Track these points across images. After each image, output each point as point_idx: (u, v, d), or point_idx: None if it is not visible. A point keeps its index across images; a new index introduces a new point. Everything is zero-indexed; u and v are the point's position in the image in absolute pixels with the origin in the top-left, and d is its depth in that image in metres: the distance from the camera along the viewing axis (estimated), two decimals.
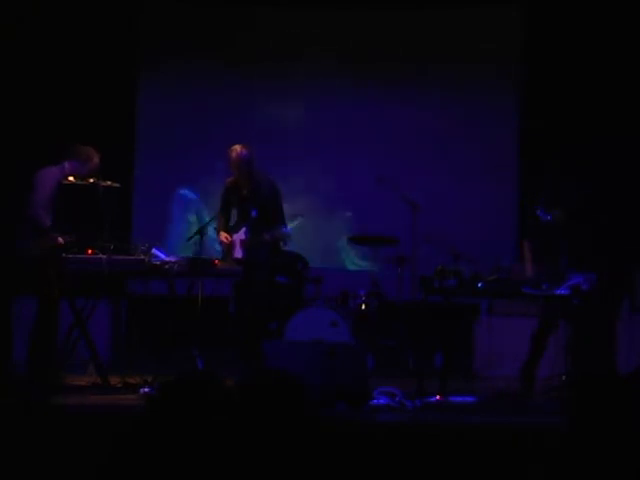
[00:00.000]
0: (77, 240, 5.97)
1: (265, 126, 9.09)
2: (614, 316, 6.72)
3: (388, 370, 6.92)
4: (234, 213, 7.08)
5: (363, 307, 7.33)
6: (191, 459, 1.99)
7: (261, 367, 5.89)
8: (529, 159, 8.79)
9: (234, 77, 9.24)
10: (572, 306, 6.27)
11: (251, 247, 6.81)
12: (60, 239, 5.95)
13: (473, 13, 9.10)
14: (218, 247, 7.19)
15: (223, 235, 6.89)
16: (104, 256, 5.94)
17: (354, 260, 9.08)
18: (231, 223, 7.06)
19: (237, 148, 6.82)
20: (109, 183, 6.27)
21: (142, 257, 6.07)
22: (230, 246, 6.86)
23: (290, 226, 7.03)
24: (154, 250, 6.16)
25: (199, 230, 6.57)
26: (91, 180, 6.22)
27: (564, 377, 6.27)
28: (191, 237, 6.65)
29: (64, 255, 5.92)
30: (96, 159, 6.22)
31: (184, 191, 9.24)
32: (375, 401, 5.68)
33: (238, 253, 6.84)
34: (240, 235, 6.89)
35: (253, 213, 6.84)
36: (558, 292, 6.26)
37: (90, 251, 5.96)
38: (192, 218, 9.09)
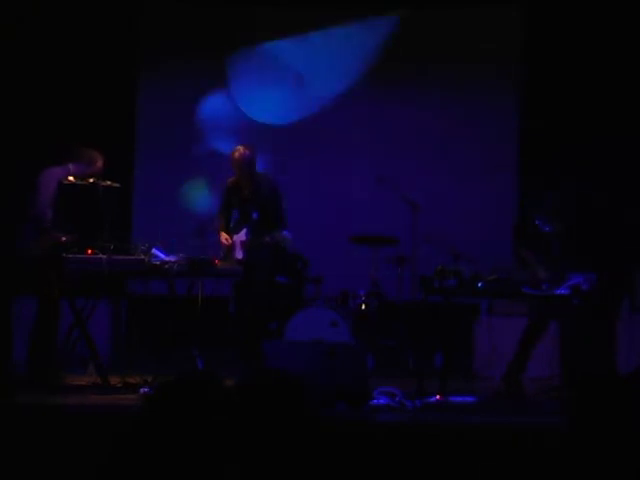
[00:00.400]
0: (79, 239, 5.98)
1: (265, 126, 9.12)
2: (614, 316, 6.72)
3: (388, 370, 6.92)
4: (234, 214, 7.07)
5: (363, 307, 7.34)
6: (191, 459, 1.99)
7: (261, 367, 5.89)
8: (529, 159, 8.79)
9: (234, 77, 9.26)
10: (568, 306, 6.27)
11: (252, 248, 6.80)
12: (63, 238, 5.95)
13: (473, 13, 9.10)
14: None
15: (223, 236, 6.88)
16: (104, 256, 5.94)
17: None
18: (231, 224, 7.05)
19: (240, 148, 6.82)
20: (109, 183, 6.27)
21: (142, 257, 6.07)
22: (230, 247, 6.85)
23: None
24: (154, 250, 6.15)
25: (199, 230, 6.57)
26: (91, 180, 6.23)
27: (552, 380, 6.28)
28: (190, 237, 6.65)
29: (64, 255, 5.92)
30: (100, 163, 6.26)
31: (184, 191, 9.24)
32: (375, 401, 5.67)
33: (239, 254, 6.82)
34: (241, 236, 6.86)
35: (254, 215, 6.82)
36: (558, 292, 6.26)
37: (90, 251, 5.96)
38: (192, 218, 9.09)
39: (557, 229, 6.51)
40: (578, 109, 8.57)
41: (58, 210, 6.05)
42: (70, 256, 5.93)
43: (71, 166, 6.22)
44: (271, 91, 9.26)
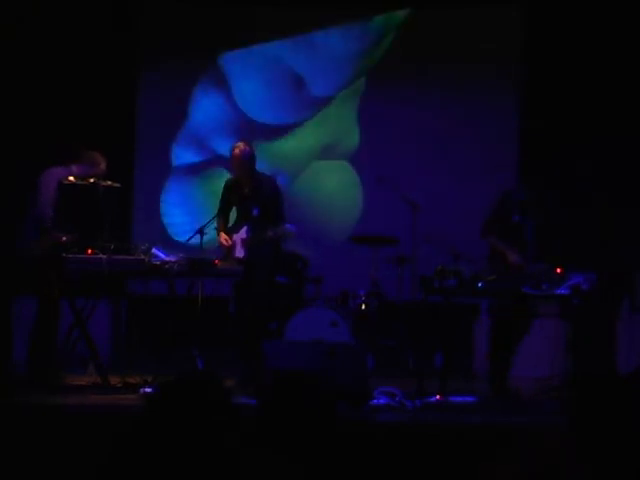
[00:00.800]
0: (79, 239, 5.98)
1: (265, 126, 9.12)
2: (614, 316, 6.72)
3: (388, 370, 6.92)
4: (234, 212, 7.03)
5: (363, 307, 7.34)
6: (191, 459, 1.99)
7: (261, 367, 5.89)
8: (529, 159, 8.79)
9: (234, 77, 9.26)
10: (569, 306, 6.27)
11: (253, 245, 6.73)
12: (63, 238, 5.95)
13: (473, 13, 9.10)
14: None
15: (223, 237, 6.80)
16: (104, 256, 5.94)
17: None
18: (230, 223, 7.02)
19: (240, 145, 6.78)
20: (109, 183, 6.27)
21: (142, 257, 6.07)
22: (230, 247, 6.82)
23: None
24: (154, 250, 6.16)
25: (199, 230, 6.56)
26: (91, 180, 6.23)
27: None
28: (191, 237, 6.64)
29: (64, 255, 5.92)
30: (103, 165, 6.26)
31: (184, 191, 9.24)
32: (375, 401, 5.68)
33: (239, 252, 6.76)
34: (241, 234, 6.79)
35: (255, 212, 6.76)
36: (558, 292, 6.26)
37: (90, 251, 5.96)
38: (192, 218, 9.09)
39: (527, 220, 6.45)
40: (578, 109, 8.57)
41: (58, 210, 6.06)
42: (70, 256, 5.93)
43: (74, 167, 6.22)
44: (271, 91, 9.26)
